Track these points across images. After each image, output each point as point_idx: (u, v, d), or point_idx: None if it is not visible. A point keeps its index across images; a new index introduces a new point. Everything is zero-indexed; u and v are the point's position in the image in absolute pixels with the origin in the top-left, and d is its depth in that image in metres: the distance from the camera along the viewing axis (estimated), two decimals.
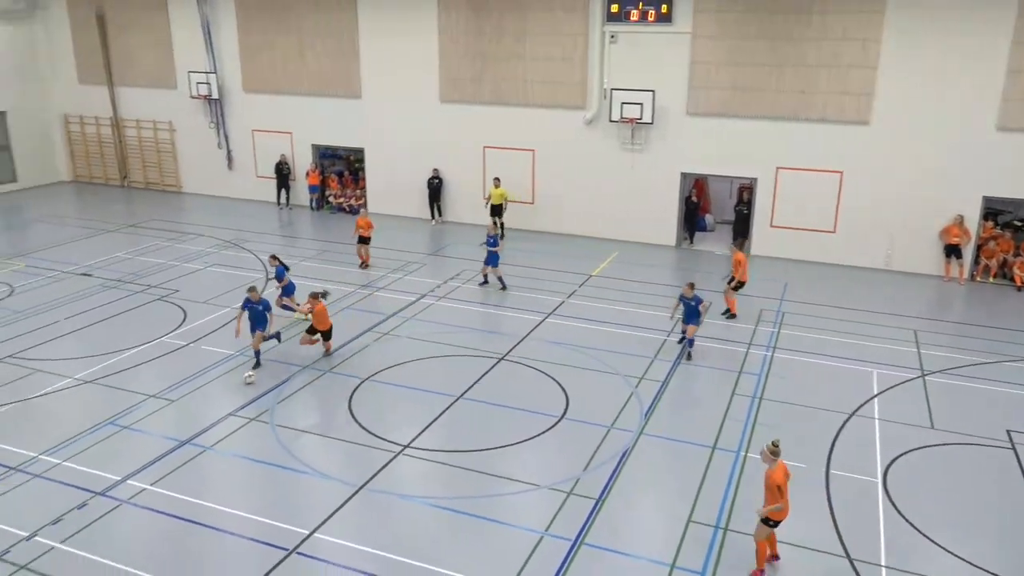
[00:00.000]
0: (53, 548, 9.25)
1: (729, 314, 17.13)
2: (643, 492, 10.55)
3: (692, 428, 12.21)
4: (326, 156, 28.02)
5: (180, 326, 16.00)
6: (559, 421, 12.43)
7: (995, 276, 20.42)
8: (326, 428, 12.23)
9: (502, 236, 22.34)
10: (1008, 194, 19.95)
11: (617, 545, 9.50)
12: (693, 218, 23.89)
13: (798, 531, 9.74)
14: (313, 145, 26.91)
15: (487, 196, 23.68)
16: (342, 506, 10.13)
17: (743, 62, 21.05)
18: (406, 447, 11.56)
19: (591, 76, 22.69)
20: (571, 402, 13.04)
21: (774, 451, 8.71)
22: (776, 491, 8.64)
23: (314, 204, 26.85)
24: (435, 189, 25.07)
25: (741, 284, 17.19)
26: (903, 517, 10.05)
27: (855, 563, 9.19)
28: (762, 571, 9.01)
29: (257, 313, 13.95)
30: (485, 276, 18.97)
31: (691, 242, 23.71)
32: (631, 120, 22.06)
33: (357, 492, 10.43)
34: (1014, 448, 11.81)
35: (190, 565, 9.09)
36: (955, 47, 19.16)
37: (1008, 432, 12.24)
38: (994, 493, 10.73)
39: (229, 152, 28.02)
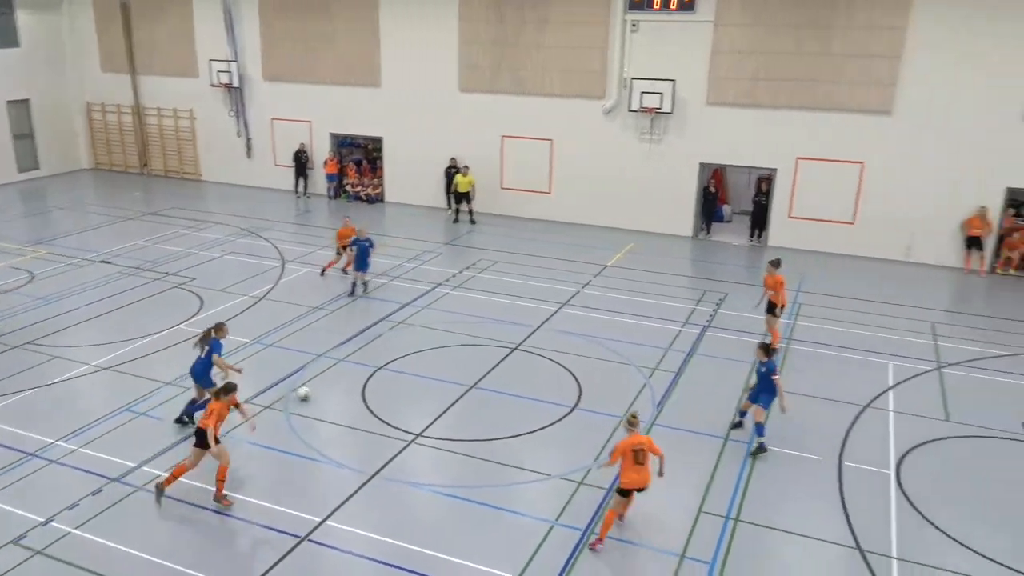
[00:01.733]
0: (69, 534, 9.41)
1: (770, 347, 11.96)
2: (654, 483, 10.54)
3: (705, 419, 12.18)
4: (344, 145, 28.10)
5: (197, 314, 16.17)
6: (571, 411, 12.45)
7: (1016, 268, 20.12)
8: (339, 416, 12.33)
9: (471, 220, 23.57)
10: None
11: (627, 535, 9.52)
12: (711, 209, 23.75)
13: (810, 522, 9.72)
14: (331, 134, 27.00)
15: (454, 184, 24.06)
16: (354, 494, 10.22)
17: (765, 51, 20.83)
18: (418, 436, 11.63)
19: (611, 65, 22.56)
20: (584, 392, 13.05)
21: (632, 422, 9.28)
22: (615, 453, 9.09)
23: (331, 193, 26.96)
24: (452, 179, 25.07)
25: (778, 309, 14.65)
26: (916, 509, 9.98)
27: (866, 555, 9.15)
28: (601, 541, 9.21)
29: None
30: (354, 284, 17.33)
31: (708, 233, 23.57)
32: (650, 110, 21.93)
33: (369, 480, 10.52)
34: None
35: (204, 552, 9.22)
36: (982, 37, 18.83)
37: None
38: (1008, 486, 10.62)
39: (248, 140, 28.18)
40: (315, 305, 16.58)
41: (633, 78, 22.02)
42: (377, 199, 26.69)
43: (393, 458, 11.06)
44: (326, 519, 9.69)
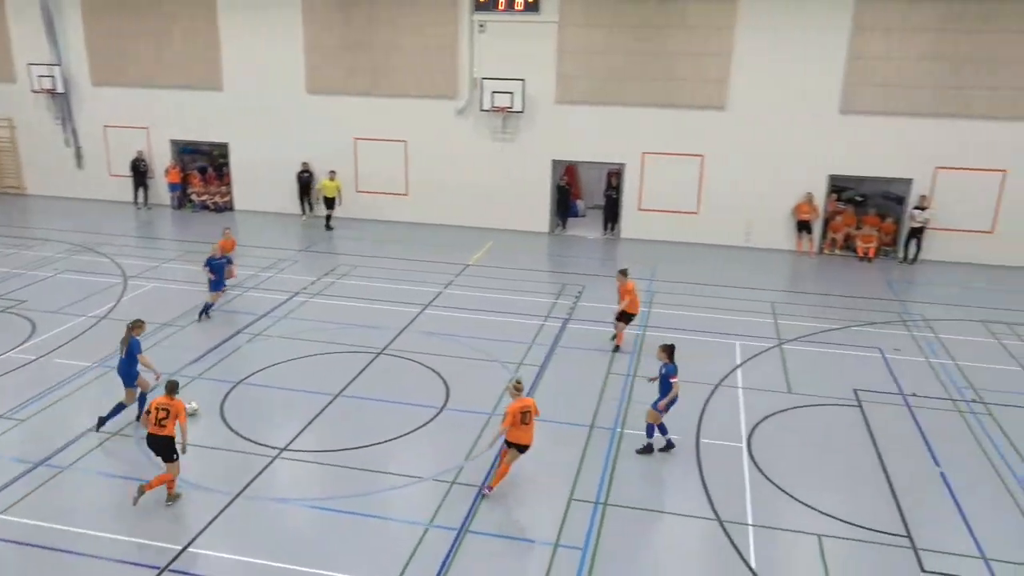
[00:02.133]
0: None
1: (615, 347, 14.69)
2: (525, 475, 10.72)
3: (570, 409, 12.50)
4: (187, 152, 26.72)
5: (28, 339, 14.89)
6: (440, 412, 12.45)
7: (841, 248, 21.98)
8: (196, 437, 11.71)
9: (328, 227, 22.98)
10: (850, 172, 21.53)
11: (502, 530, 9.63)
12: (565, 204, 24.41)
13: (673, 500, 10.21)
14: (172, 140, 25.62)
15: (319, 188, 23.67)
16: (217, 516, 9.75)
17: (608, 50, 21.62)
18: (283, 450, 11.26)
19: (461, 65, 22.70)
20: (452, 392, 13.07)
21: (517, 387, 10.21)
22: (508, 417, 9.98)
23: (175, 203, 25.61)
24: (305, 183, 24.44)
25: (630, 316, 14.82)
26: (766, 477, 10.68)
27: (724, 525, 9.69)
28: (491, 488, 10.16)
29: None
30: (207, 307, 15.97)
31: (564, 228, 24.22)
32: (502, 109, 22.24)
33: (233, 500, 10.07)
34: (860, 405, 12.78)
35: None
36: (800, 35, 20.43)
37: (855, 391, 13.24)
38: (845, 448, 11.58)
39: (79, 149, 26.25)
40: (164, 322, 15.68)
41: (483, 78, 22.25)
42: (225, 207, 25.60)
43: (258, 475, 10.65)
44: (187, 546, 9.19)
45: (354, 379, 13.49)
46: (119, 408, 11.64)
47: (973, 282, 19.57)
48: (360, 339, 15.13)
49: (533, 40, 22.05)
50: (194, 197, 25.78)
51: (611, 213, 23.47)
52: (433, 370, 13.89)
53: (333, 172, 23.59)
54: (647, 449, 11.26)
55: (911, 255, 21.16)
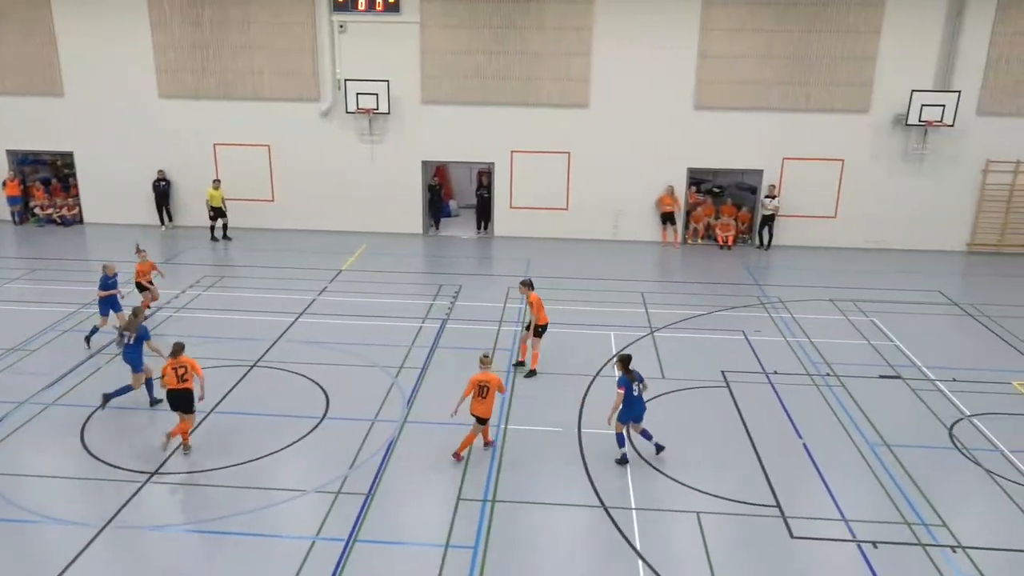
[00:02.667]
0: None
1: (528, 370, 13.76)
2: (412, 479, 10.65)
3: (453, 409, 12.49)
4: (27, 163, 24.79)
5: None
6: (321, 422, 12.15)
7: (703, 238, 23.11)
8: (55, 467, 10.92)
9: (225, 236, 22.10)
10: (706, 164, 22.72)
11: (391, 536, 9.52)
12: (437, 205, 24.39)
13: (559, 491, 10.41)
14: (8, 151, 23.69)
15: (207, 199, 22.57)
16: (83, 551, 9.11)
17: (471, 50, 21.75)
18: (154, 473, 10.67)
19: (322, 67, 22.21)
20: (332, 401, 12.79)
21: (484, 361, 10.96)
22: (467, 386, 10.85)
23: (17, 217, 23.72)
24: (163, 192, 23.22)
25: (542, 328, 13.78)
26: (646, 461, 11.09)
27: (610, 511, 9.99)
28: (459, 455, 10.99)
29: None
30: (93, 331, 14.61)
31: (437, 229, 24.20)
32: (367, 111, 21.94)
33: (101, 532, 9.45)
34: (728, 386, 13.50)
35: None
36: (655, 35, 21.30)
37: (722, 372, 13.96)
38: (716, 427, 12.18)
39: None
40: (10, 347, 14.49)
41: (347, 79, 21.87)
42: (74, 221, 23.96)
43: (127, 502, 10.03)
44: None
45: (227, 395, 12.95)
46: (126, 389, 12.26)
47: (821, 264, 21.07)
48: (231, 352, 14.54)
49: (396, 41, 21.88)
50: (39, 211, 23.95)
51: (484, 212, 23.65)
52: (311, 379, 13.54)
53: (217, 180, 22.51)
54: (622, 460, 10.99)
55: (766, 241, 22.54)
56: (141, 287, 15.85)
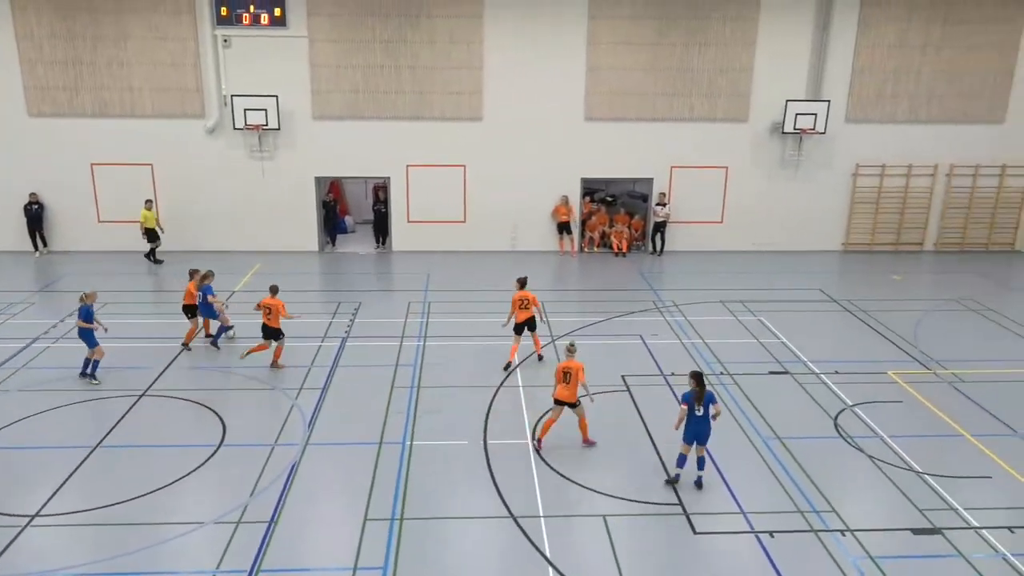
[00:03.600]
0: None
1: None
2: (316, 503, 10.39)
3: (357, 428, 12.30)
4: None
5: None
6: (217, 450, 11.69)
7: (598, 246, 23.63)
8: None
9: (155, 261, 21.26)
10: (598, 175, 23.29)
11: (296, 563, 9.25)
12: (333, 221, 23.98)
13: (467, 504, 10.38)
14: None
15: (140, 220, 21.41)
16: None
17: (361, 64, 21.55)
18: (35, 516, 9.99)
19: (207, 82, 21.49)
20: (228, 428, 12.33)
21: (570, 350, 11.73)
22: (557, 373, 11.49)
23: None
24: (35, 216, 21.87)
25: (522, 326, 14.59)
26: (552, 468, 11.20)
27: (518, 520, 10.03)
28: (540, 442, 11.70)
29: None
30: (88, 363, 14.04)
31: (334, 245, 23.79)
32: (256, 127, 21.37)
33: None
34: (628, 389, 13.82)
35: None
36: (544, 48, 21.69)
37: (623, 377, 14.28)
38: (619, 431, 12.42)
39: None
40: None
41: (233, 95, 21.25)
42: None
43: (5, 549, 9.35)
44: None
45: (114, 427, 12.29)
46: (223, 329, 15.58)
47: (711, 267, 21.91)
48: (117, 382, 13.82)
49: (284, 55, 21.43)
50: None
51: (381, 227, 23.41)
52: (206, 406, 13.02)
53: (149, 201, 21.45)
54: (673, 480, 10.85)
55: (658, 247, 23.26)
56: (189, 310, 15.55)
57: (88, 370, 13.92)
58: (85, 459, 11.33)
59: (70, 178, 21.88)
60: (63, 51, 21.06)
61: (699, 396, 10.48)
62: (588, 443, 11.82)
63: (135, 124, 21.70)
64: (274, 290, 14.58)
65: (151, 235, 21.41)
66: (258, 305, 14.45)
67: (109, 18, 20.88)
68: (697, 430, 10.56)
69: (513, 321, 14.68)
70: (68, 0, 20.68)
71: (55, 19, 20.82)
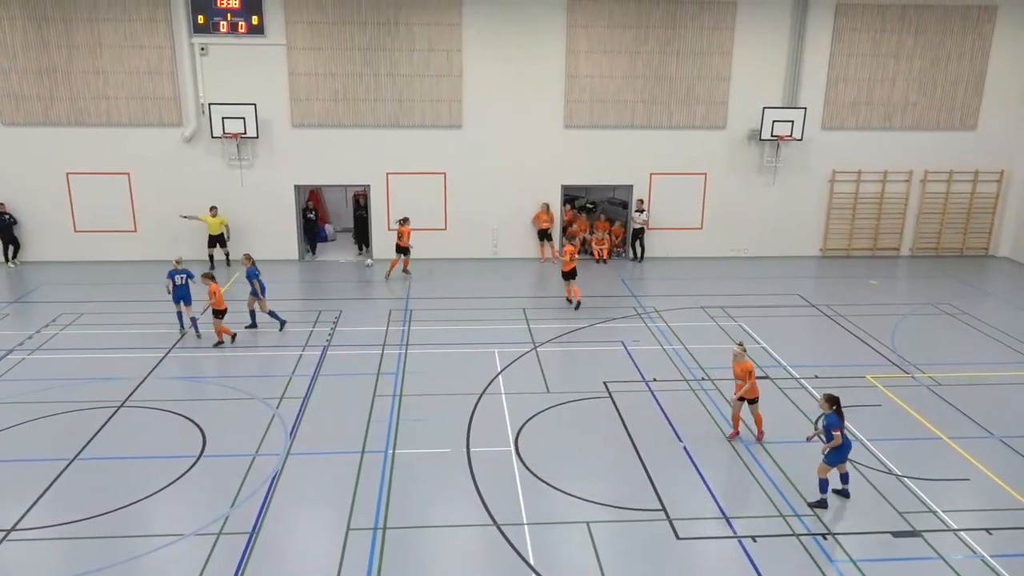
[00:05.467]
0: None
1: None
2: (298, 513, 10.32)
3: (339, 437, 12.23)
4: None
5: None
6: (197, 461, 11.57)
7: (579, 253, 23.66)
8: None
9: (227, 263, 21.69)
10: (578, 182, 23.37)
11: (279, 574, 9.16)
12: (313, 229, 23.86)
13: (450, 512, 10.35)
14: None
15: (207, 227, 21.56)
16: None
17: (341, 73, 21.51)
18: (10, 531, 9.83)
19: (184, 91, 21.34)
20: (208, 438, 12.21)
21: (744, 349, 12.12)
22: (747, 375, 11.91)
23: None
24: (6, 227, 21.57)
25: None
26: (535, 476, 11.20)
27: (502, 528, 10.01)
28: (737, 433, 12.33)
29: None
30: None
31: (314, 254, 23.67)
32: (235, 135, 21.24)
33: None
34: (611, 396, 13.85)
35: None
36: (523, 55, 21.77)
37: (605, 383, 14.32)
38: (601, 437, 12.46)
39: None
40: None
41: (211, 103, 21.11)
42: None
43: None
44: None
45: (92, 438, 12.13)
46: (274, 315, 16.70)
47: (691, 273, 22.04)
48: (95, 393, 13.65)
49: (262, 63, 21.33)
50: None
51: (363, 234, 23.33)
52: (185, 416, 12.89)
53: (214, 208, 21.49)
54: (820, 504, 10.55)
55: (638, 254, 23.37)
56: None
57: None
58: (62, 472, 11.17)
59: (44, 187, 21.63)
60: (37, 60, 20.84)
61: (842, 417, 10.42)
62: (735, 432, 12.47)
63: (111, 132, 21.50)
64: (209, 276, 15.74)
65: (217, 240, 21.68)
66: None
67: (84, 27, 20.70)
68: (846, 450, 10.47)
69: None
70: (42, 9, 20.49)
71: (29, 28, 20.60)
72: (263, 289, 16.62)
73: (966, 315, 18.58)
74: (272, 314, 16.77)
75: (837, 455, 10.43)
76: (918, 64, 22.75)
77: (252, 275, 16.47)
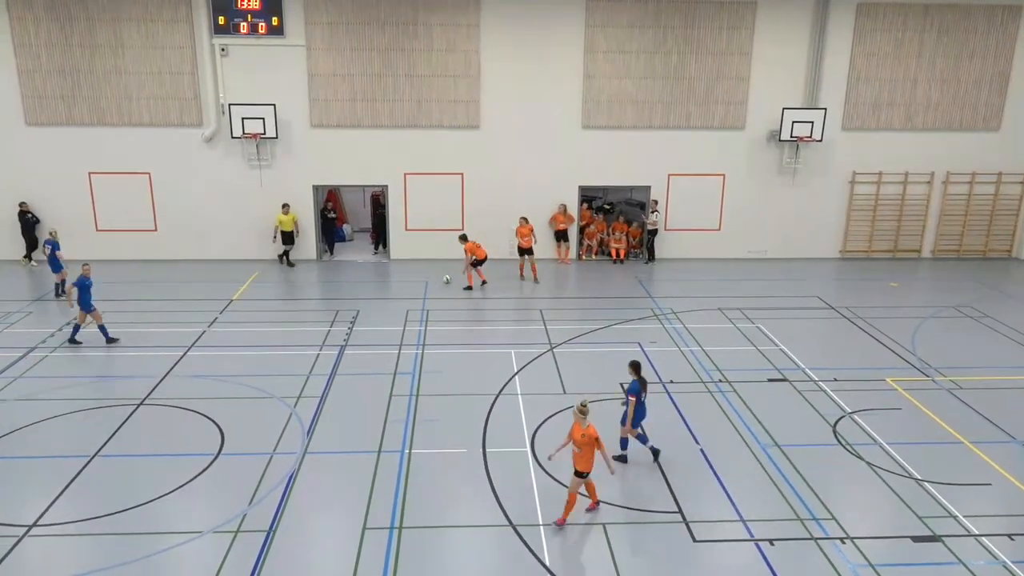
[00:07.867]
0: None
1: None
2: (315, 512, 10.36)
3: (356, 437, 12.28)
4: None
5: None
6: (215, 459, 11.66)
7: (596, 254, 23.65)
8: None
9: (289, 264, 22.01)
10: (596, 182, 23.30)
11: (295, 572, 9.21)
12: (331, 230, 23.98)
13: (466, 513, 10.35)
14: None
15: (276, 225, 21.97)
16: None
17: (359, 73, 21.59)
18: (32, 526, 9.95)
19: (205, 91, 21.53)
20: (227, 436, 12.30)
21: (584, 411, 9.88)
22: (595, 442, 9.88)
23: None
24: (30, 226, 21.84)
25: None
26: (551, 477, 11.18)
27: (518, 528, 10.01)
28: (564, 521, 10.03)
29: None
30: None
31: (331, 254, 23.79)
32: (254, 135, 21.39)
33: None
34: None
35: None
36: (541, 56, 21.76)
37: (621, 384, 14.26)
38: (617, 438, 12.38)
39: None
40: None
41: (231, 104, 21.27)
42: None
43: (3, 559, 9.31)
44: None
45: (113, 435, 12.26)
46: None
47: (708, 275, 21.93)
48: (116, 391, 13.80)
49: (282, 64, 21.47)
50: None
51: (381, 230, 23.42)
52: (204, 415, 12.99)
53: (286, 205, 21.79)
54: (621, 459, 11.56)
55: (651, 255, 23.29)
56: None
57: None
58: (83, 468, 11.29)
59: (66, 187, 21.88)
60: (60, 60, 21.09)
61: (644, 384, 11.31)
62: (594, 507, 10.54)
63: (133, 132, 21.72)
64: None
65: (286, 238, 21.85)
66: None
67: (106, 27, 20.93)
68: (641, 415, 11.40)
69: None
70: (65, 10, 20.73)
71: (52, 28, 20.85)
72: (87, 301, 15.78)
73: (988, 318, 18.37)
74: (102, 328, 16.01)
75: (636, 418, 11.27)
76: (940, 64, 22.51)
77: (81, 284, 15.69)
